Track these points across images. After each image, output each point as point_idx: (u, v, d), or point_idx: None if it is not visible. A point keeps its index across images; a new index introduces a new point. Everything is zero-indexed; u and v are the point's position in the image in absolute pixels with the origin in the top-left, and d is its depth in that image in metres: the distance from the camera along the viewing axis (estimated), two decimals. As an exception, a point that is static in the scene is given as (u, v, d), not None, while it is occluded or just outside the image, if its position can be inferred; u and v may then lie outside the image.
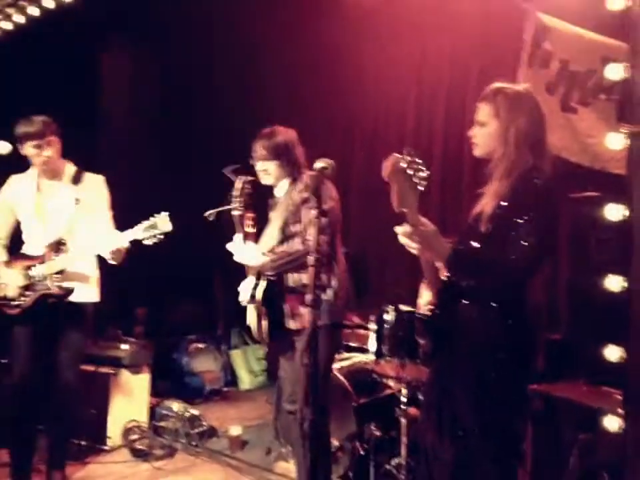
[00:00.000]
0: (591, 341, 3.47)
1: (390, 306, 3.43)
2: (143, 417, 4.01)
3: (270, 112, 4.78)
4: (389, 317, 3.39)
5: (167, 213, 2.76)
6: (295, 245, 2.80)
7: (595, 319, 3.55)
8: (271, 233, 2.88)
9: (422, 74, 4.68)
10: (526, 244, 1.95)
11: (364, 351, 3.83)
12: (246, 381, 5.51)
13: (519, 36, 3.85)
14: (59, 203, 3.10)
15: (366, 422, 3.36)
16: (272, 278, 2.77)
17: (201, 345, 5.41)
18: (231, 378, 5.51)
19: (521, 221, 1.98)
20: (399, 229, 1.93)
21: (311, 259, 1.90)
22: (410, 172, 1.79)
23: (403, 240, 1.95)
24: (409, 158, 1.80)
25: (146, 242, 2.78)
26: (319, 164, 2.11)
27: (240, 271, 5.47)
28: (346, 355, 3.82)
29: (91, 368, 3.74)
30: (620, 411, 2.22)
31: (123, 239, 2.83)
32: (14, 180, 3.17)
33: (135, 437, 3.84)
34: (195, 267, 5.54)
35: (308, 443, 2.67)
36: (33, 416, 3.13)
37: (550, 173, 2.09)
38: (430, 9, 4.17)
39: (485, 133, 2.17)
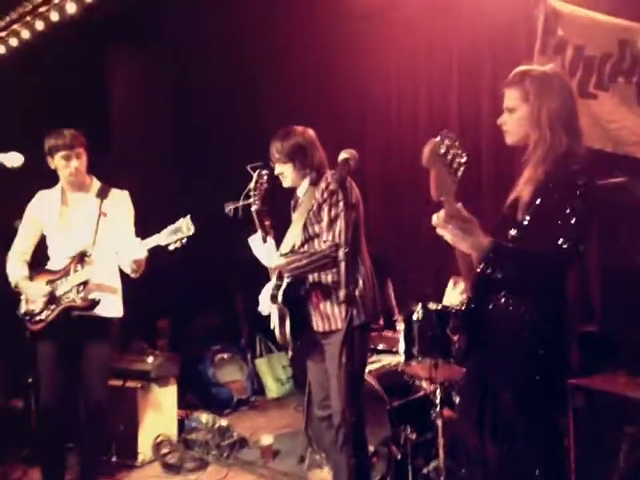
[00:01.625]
0: (628, 330, 3.39)
1: (418, 305, 3.36)
2: (172, 431, 3.97)
3: (284, 110, 4.75)
4: (418, 316, 3.32)
5: (189, 216, 2.73)
6: (315, 246, 2.74)
7: (630, 308, 3.46)
8: (293, 234, 2.82)
9: (431, 66, 4.61)
10: (567, 233, 1.87)
11: (392, 353, 3.75)
12: (273, 389, 5.44)
13: (531, 21, 3.78)
14: (84, 214, 3.08)
15: (400, 425, 3.28)
16: (290, 280, 2.69)
17: (225, 355, 5.37)
18: (258, 387, 5.45)
19: (560, 210, 1.90)
20: (435, 218, 1.86)
21: (341, 254, 1.83)
22: (449, 157, 1.73)
23: (439, 229, 1.88)
24: (447, 142, 1.73)
25: (170, 247, 2.75)
26: (342, 155, 2.05)
27: (260, 278, 5.45)
28: (375, 357, 3.74)
29: (118, 382, 3.70)
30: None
31: (147, 246, 2.81)
32: (41, 195, 3.17)
33: (165, 450, 3.79)
34: (216, 277, 5.52)
35: (347, 447, 2.61)
36: (63, 433, 3.10)
37: (585, 156, 2.02)
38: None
39: (515, 119, 2.10)
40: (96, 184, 3.17)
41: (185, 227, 2.73)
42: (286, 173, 2.79)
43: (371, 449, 3.26)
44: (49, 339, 2.99)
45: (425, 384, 3.52)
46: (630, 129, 3.73)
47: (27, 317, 3.00)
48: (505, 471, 2.17)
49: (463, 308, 2.14)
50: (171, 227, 2.77)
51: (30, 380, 3.78)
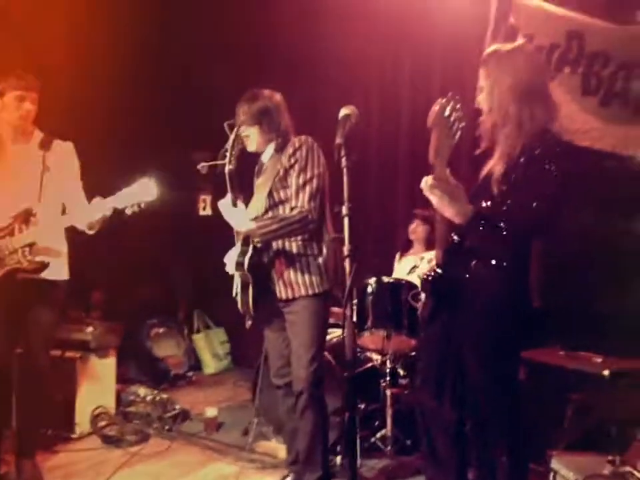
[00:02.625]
0: (564, 307, 3.58)
1: (372, 278, 3.40)
2: (110, 403, 3.82)
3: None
4: (372, 288, 3.36)
5: (151, 179, 2.59)
6: (281, 212, 2.69)
7: (568, 286, 3.66)
8: (258, 200, 2.76)
9: (384, 58, 4.64)
10: (541, 205, 1.95)
11: (340, 326, 3.77)
12: (210, 364, 5.38)
13: (483, 10, 3.89)
14: (26, 169, 2.87)
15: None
16: (259, 245, 2.65)
17: (161, 330, 5.25)
18: (195, 362, 5.37)
19: (535, 183, 1.98)
20: (424, 181, 1.88)
21: (344, 209, 1.81)
22: (451, 120, 1.75)
23: (426, 193, 1.90)
24: (452, 104, 1.75)
25: (127, 211, 2.61)
26: (343, 111, 2.02)
27: (201, 252, 5.29)
28: (325, 330, 3.75)
29: (56, 352, 3.51)
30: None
31: (104, 207, 2.65)
32: None
33: (103, 423, 3.65)
34: (154, 249, 5.36)
35: (308, 412, 2.62)
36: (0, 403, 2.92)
37: (558, 130, 2.10)
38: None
39: (483, 97, 2.17)
40: (38, 134, 2.95)
41: (146, 189, 2.58)
42: (252, 136, 2.72)
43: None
44: (-11, 302, 2.79)
45: (374, 355, 3.58)
46: (572, 118, 3.90)
47: (-35, 276, 2.78)
48: (465, 435, 2.25)
49: (432, 274, 2.18)
50: (127, 190, 2.61)
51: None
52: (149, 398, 3.89)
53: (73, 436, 3.56)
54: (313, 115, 4.86)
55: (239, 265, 2.61)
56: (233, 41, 5.06)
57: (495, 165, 2.11)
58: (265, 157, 2.82)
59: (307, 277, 2.65)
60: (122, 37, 4.73)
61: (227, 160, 2.48)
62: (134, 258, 5.17)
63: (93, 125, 4.33)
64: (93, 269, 4.77)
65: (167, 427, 3.74)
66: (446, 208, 1.91)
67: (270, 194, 2.71)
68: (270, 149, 2.78)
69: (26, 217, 2.77)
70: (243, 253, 2.62)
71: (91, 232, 2.78)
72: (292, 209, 2.61)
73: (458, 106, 1.79)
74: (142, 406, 3.84)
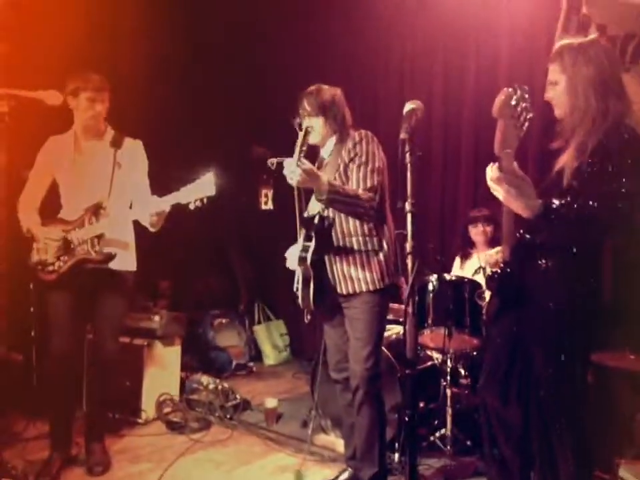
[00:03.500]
0: (634, 307, 3.42)
1: (433, 275, 3.36)
2: (174, 390, 3.95)
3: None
4: (433, 286, 3.32)
5: (212, 174, 2.64)
6: None
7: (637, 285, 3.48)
8: (319, 197, 2.77)
9: (448, 42, 4.54)
10: (616, 201, 1.88)
11: (399, 323, 3.75)
12: (271, 356, 5.46)
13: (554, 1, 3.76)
14: (99, 165, 3.01)
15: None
16: (323, 202, 2.54)
17: (224, 320, 5.37)
18: (255, 353, 5.47)
19: (610, 179, 1.91)
20: (489, 172, 1.84)
21: (408, 206, 1.80)
22: (518, 110, 1.71)
23: (491, 184, 1.86)
24: (519, 94, 1.71)
25: (190, 206, 2.68)
26: (408, 106, 2.00)
27: (263, 246, 5.36)
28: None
29: (125, 339, 3.65)
30: None
31: (166, 203, 2.74)
32: (53, 141, 3.06)
33: (168, 409, 3.78)
34: (218, 243, 5.48)
35: (365, 407, 2.62)
36: (73, 387, 3.06)
37: (632, 124, 2.02)
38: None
39: (558, 92, 2.12)
40: (110, 131, 3.08)
41: (206, 185, 2.64)
42: (316, 127, 2.72)
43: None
44: (62, 290, 2.92)
45: (434, 354, 3.54)
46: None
47: (39, 267, 2.93)
48: (529, 431, 2.19)
49: (498, 271, 2.13)
50: (189, 186, 2.68)
51: (32, 333, 3.73)
52: (211, 386, 3.99)
53: (139, 421, 3.70)
54: (374, 109, 4.86)
55: (302, 260, 2.63)
56: (296, 39, 5.11)
57: (568, 160, 2.05)
58: (325, 153, 2.82)
59: (367, 272, 2.65)
60: (188, 38, 4.87)
61: (296, 157, 2.45)
62: (198, 251, 5.33)
63: (158, 123, 4.48)
64: (160, 260, 4.93)
65: (228, 416, 3.82)
66: (513, 201, 1.87)
67: (331, 189, 2.70)
68: (330, 143, 2.79)
69: (96, 209, 2.90)
70: (305, 249, 2.64)
71: (153, 230, 2.87)
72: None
73: (526, 96, 1.74)
74: (205, 394, 3.94)
